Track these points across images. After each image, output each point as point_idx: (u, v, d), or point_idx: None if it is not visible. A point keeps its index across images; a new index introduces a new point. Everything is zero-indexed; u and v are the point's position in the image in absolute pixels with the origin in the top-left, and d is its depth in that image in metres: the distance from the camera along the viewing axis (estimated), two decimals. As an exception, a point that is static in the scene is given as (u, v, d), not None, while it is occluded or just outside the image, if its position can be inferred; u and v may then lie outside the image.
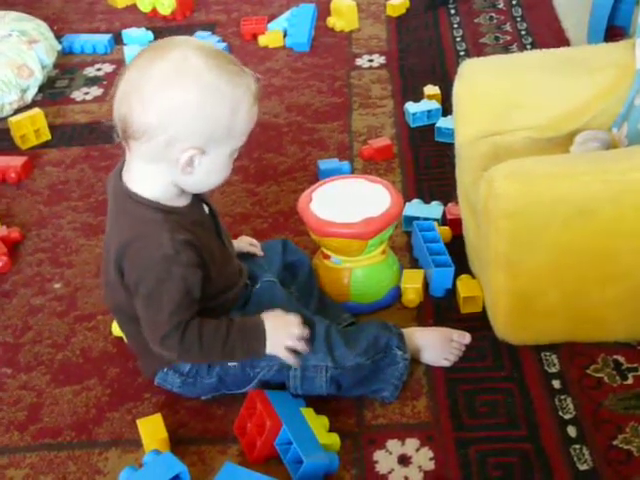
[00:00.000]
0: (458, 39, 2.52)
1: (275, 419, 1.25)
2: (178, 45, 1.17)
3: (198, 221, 1.27)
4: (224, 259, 1.31)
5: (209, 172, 1.21)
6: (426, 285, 1.56)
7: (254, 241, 1.52)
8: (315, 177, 1.91)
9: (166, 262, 1.18)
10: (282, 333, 1.28)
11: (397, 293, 1.55)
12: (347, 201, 1.50)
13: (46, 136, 2.22)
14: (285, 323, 1.29)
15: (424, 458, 1.27)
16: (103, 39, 2.68)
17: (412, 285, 1.54)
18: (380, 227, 1.45)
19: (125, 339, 1.45)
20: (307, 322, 1.32)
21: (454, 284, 1.54)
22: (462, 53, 2.43)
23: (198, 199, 1.29)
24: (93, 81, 2.51)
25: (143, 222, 1.20)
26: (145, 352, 1.35)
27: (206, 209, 1.31)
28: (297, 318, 1.29)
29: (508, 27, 2.56)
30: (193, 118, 1.14)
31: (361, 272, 1.51)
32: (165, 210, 1.21)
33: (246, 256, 1.47)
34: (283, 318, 1.29)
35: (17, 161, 2.08)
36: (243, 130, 1.20)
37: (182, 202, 1.25)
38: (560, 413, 1.31)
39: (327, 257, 1.52)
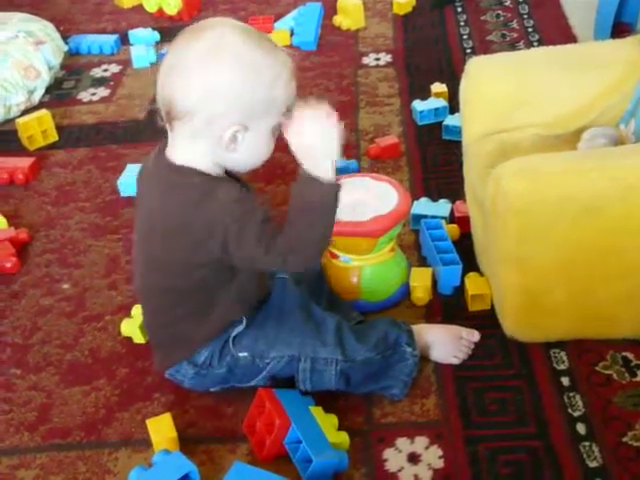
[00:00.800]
0: (465, 37, 2.51)
1: (284, 418, 1.25)
2: (214, 25, 1.21)
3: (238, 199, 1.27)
4: None
5: (252, 149, 1.23)
6: (434, 283, 1.56)
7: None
8: (322, 176, 1.91)
9: (238, 202, 1.21)
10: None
11: (406, 290, 1.55)
12: (354, 200, 1.50)
13: (53, 137, 2.22)
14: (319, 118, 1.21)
15: (433, 456, 1.27)
16: (110, 40, 2.69)
17: (421, 283, 1.54)
18: (389, 225, 1.45)
19: (146, 332, 1.44)
20: (317, 317, 1.34)
21: (462, 282, 1.54)
22: (469, 51, 2.43)
23: (237, 181, 1.30)
24: (100, 82, 2.52)
25: (200, 188, 1.22)
26: (165, 342, 1.36)
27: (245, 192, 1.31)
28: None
29: (515, 24, 2.56)
30: (233, 94, 1.17)
31: (371, 270, 1.51)
32: (215, 178, 1.24)
33: None
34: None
35: (25, 162, 2.08)
36: (283, 104, 1.21)
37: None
38: (569, 410, 1.31)
39: (336, 256, 1.52)
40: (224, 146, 1.20)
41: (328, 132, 1.21)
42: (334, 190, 1.22)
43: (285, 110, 1.22)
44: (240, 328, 1.33)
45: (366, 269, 1.51)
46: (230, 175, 1.29)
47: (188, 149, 1.23)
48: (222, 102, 1.17)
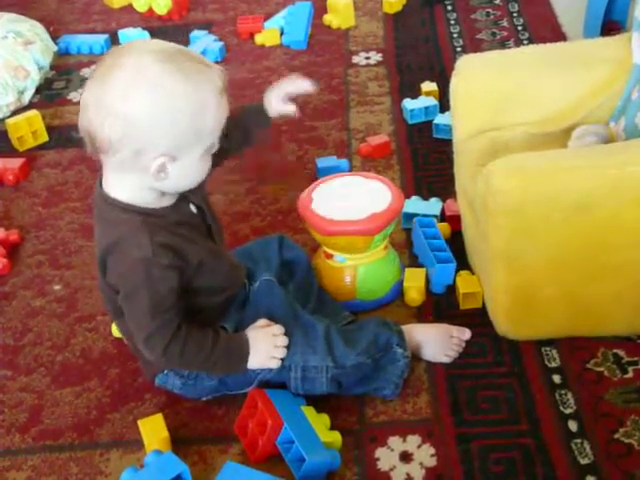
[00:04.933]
0: (455, 35, 2.52)
1: (276, 418, 1.25)
2: (131, 51, 1.13)
3: (182, 221, 1.24)
4: (215, 258, 1.30)
5: (184, 174, 1.19)
6: (427, 282, 1.56)
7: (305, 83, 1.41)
8: (313, 175, 1.91)
9: (145, 264, 1.17)
10: (266, 347, 1.29)
11: (400, 289, 1.55)
12: (348, 199, 1.50)
13: (43, 137, 2.22)
14: (267, 335, 1.30)
15: (426, 455, 1.27)
16: (99, 39, 2.68)
17: (415, 284, 1.53)
18: (386, 222, 1.46)
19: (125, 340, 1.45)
20: (305, 323, 1.33)
21: (454, 280, 1.54)
22: (459, 49, 2.43)
23: (185, 199, 1.26)
24: (90, 82, 2.51)
25: (121, 226, 1.19)
26: (143, 355, 1.35)
27: (193, 208, 1.29)
28: (280, 329, 1.30)
29: (505, 23, 2.56)
30: (157, 127, 1.11)
31: (366, 269, 1.51)
32: (143, 213, 1.20)
33: (242, 254, 1.46)
34: (266, 331, 1.30)
35: (15, 163, 2.08)
36: (213, 128, 1.17)
37: (165, 203, 1.23)
38: (561, 408, 1.31)
39: (330, 256, 1.52)
40: (152, 176, 1.16)
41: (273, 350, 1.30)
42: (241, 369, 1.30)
43: (218, 131, 1.18)
44: None
45: (362, 268, 1.51)
46: (181, 194, 1.25)
47: (117, 181, 1.19)
48: (144, 136, 1.11)
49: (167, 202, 1.23)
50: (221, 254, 1.34)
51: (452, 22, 2.60)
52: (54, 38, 2.68)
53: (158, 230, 1.19)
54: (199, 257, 1.24)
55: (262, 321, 1.32)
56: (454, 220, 1.67)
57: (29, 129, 2.19)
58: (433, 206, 1.73)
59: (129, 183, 1.19)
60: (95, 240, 1.28)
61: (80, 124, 1.15)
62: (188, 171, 1.19)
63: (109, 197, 1.21)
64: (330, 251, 1.51)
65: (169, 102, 1.11)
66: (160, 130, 1.11)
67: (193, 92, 1.12)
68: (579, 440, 1.26)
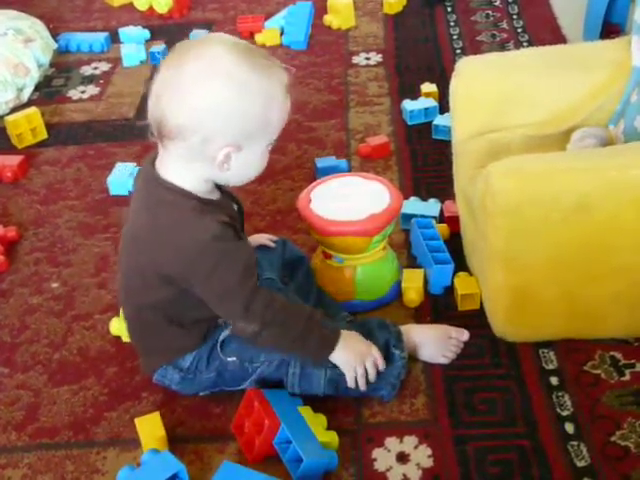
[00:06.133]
0: (455, 37, 2.52)
1: (273, 418, 1.24)
2: (209, 43, 1.18)
3: (230, 215, 1.27)
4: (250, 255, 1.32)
5: (246, 167, 1.23)
6: (425, 283, 1.56)
7: (273, 237, 1.54)
8: (313, 175, 1.91)
9: (217, 241, 1.19)
10: (356, 348, 1.30)
11: (398, 289, 1.55)
12: (347, 199, 1.50)
13: (42, 135, 2.21)
14: (365, 345, 1.32)
15: (422, 455, 1.27)
16: (100, 37, 2.67)
17: (413, 285, 1.53)
18: (384, 223, 1.46)
19: (129, 335, 1.44)
20: None
21: (452, 281, 1.54)
22: (459, 51, 2.43)
23: (229, 195, 1.31)
24: (90, 80, 2.51)
25: (182, 210, 1.21)
26: (148, 348, 1.36)
27: (235, 206, 1.32)
28: (378, 353, 1.32)
29: (504, 25, 2.57)
30: (228, 116, 1.15)
31: (365, 269, 1.51)
32: (202, 201, 1.22)
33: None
34: (362, 339, 1.32)
35: (13, 160, 2.07)
36: (277, 123, 1.21)
37: (214, 196, 1.26)
38: (558, 410, 1.32)
39: (329, 257, 1.52)
40: (217, 166, 1.19)
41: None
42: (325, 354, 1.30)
43: (280, 127, 1.22)
44: (227, 332, 1.32)
45: (360, 268, 1.51)
46: (221, 190, 1.28)
47: (178, 167, 1.21)
48: (216, 124, 1.15)
49: (215, 196, 1.27)
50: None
51: (452, 23, 2.60)
52: (54, 36, 2.67)
53: (218, 213, 1.22)
54: None
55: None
56: (453, 221, 1.67)
57: (28, 126, 2.18)
58: (432, 207, 1.73)
59: (191, 172, 1.21)
60: (133, 226, 1.29)
61: (150, 110, 1.18)
62: (249, 164, 1.23)
63: (167, 181, 1.22)
64: (329, 251, 1.51)
65: (242, 92, 1.15)
66: (231, 119, 1.15)
67: (264, 84, 1.17)
68: (576, 442, 1.26)
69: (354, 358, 1.30)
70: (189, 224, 1.20)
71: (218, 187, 1.28)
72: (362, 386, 1.31)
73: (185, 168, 1.21)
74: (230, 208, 1.30)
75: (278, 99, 1.19)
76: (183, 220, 1.20)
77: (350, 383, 1.30)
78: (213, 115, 1.14)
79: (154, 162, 1.25)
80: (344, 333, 1.30)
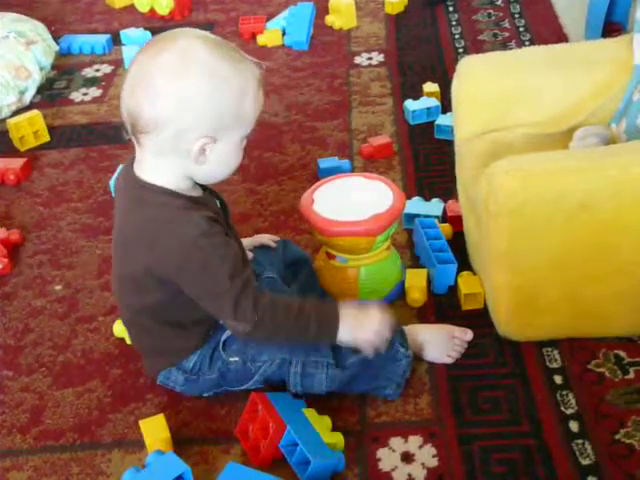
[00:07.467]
0: (457, 36, 2.52)
1: (278, 421, 1.24)
2: (180, 36, 1.18)
3: (215, 211, 1.27)
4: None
5: (221, 160, 1.22)
6: (428, 283, 1.56)
7: (274, 237, 1.54)
8: (315, 176, 1.91)
9: (206, 237, 1.19)
10: (357, 323, 1.28)
11: (402, 289, 1.55)
12: (349, 200, 1.50)
13: (45, 137, 2.22)
14: (366, 316, 1.29)
15: (427, 455, 1.27)
16: (101, 40, 2.68)
17: (416, 284, 1.53)
18: (388, 222, 1.46)
19: (129, 339, 1.45)
20: None
21: (455, 281, 1.54)
22: (461, 50, 2.43)
23: (211, 193, 1.30)
24: (91, 82, 2.51)
25: (168, 209, 1.21)
26: (150, 351, 1.36)
27: (218, 203, 1.32)
28: (379, 312, 1.29)
29: (506, 24, 2.56)
30: (202, 107, 1.15)
31: (369, 269, 1.51)
32: (187, 198, 1.23)
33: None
34: (363, 312, 1.29)
35: (16, 163, 2.08)
36: (251, 115, 1.21)
37: (197, 193, 1.26)
38: (562, 408, 1.31)
39: (332, 257, 1.51)
40: (193, 159, 1.18)
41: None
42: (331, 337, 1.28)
43: (254, 121, 1.22)
44: (229, 333, 1.32)
45: (364, 269, 1.51)
46: (203, 187, 1.28)
47: (155, 164, 1.21)
48: (190, 114, 1.15)
49: (198, 193, 1.26)
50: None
51: (454, 23, 2.60)
52: (56, 38, 2.68)
53: (203, 210, 1.22)
54: None
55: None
56: (455, 221, 1.67)
57: (30, 129, 2.18)
58: (435, 207, 1.73)
59: (168, 168, 1.21)
60: (120, 230, 1.29)
61: (125, 105, 1.18)
62: (225, 157, 1.22)
63: (147, 182, 1.22)
64: (332, 252, 1.51)
65: (216, 84, 1.15)
66: (205, 109, 1.15)
67: (237, 77, 1.17)
68: (580, 441, 1.26)
69: (361, 335, 1.28)
70: (176, 222, 1.20)
71: (200, 185, 1.28)
72: (383, 350, 1.30)
73: (162, 165, 1.21)
74: (214, 205, 1.30)
75: (251, 90, 1.19)
76: (169, 219, 1.20)
77: (370, 354, 1.29)
78: (187, 105, 1.14)
79: (132, 167, 1.25)
80: (343, 313, 1.28)
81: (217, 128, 1.17)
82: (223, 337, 1.33)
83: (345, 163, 1.94)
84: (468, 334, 1.43)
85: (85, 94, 2.45)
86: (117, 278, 1.34)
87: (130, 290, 1.30)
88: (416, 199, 1.78)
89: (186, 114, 1.15)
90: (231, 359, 1.33)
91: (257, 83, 1.20)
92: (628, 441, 1.25)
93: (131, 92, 1.16)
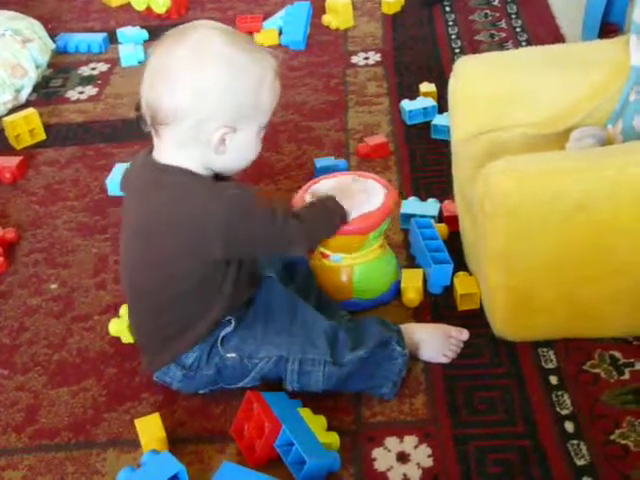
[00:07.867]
0: (453, 36, 2.52)
1: (274, 421, 1.24)
2: (197, 28, 1.21)
3: None
4: None
5: (240, 150, 1.24)
6: (424, 283, 1.56)
7: None
8: (311, 175, 1.91)
9: (238, 196, 1.23)
10: (345, 195, 1.41)
11: (397, 288, 1.55)
12: (340, 198, 1.50)
13: (41, 136, 2.21)
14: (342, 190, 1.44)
15: (423, 455, 1.27)
16: (98, 38, 2.67)
17: (412, 284, 1.53)
18: (378, 220, 1.45)
19: (132, 335, 1.44)
20: (306, 319, 1.34)
21: (451, 281, 1.54)
22: (457, 50, 2.43)
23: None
24: (88, 80, 2.51)
25: (195, 185, 1.23)
26: (154, 346, 1.36)
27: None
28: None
29: (503, 24, 2.57)
30: (222, 96, 1.17)
31: (363, 268, 1.51)
32: (205, 177, 1.25)
33: None
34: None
35: (12, 161, 2.07)
36: (269, 104, 1.24)
37: None
38: (557, 409, 1.32)
39: (326, 256, 1.51)
40: (212, 149, 1.20)
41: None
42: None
43: (270, 111, 1.24)
44: (229, 329, 1.33)
45: (358, 267, 1.51)
46: (220, 179, 1.29)
47: (176, 154, 1.23)
48: (210, 105, 1.17)
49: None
50: None
51: (450, 23, 2.60)
52: (52, 36, 2.67)
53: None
54: None
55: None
56: (452, 221, 1.67)
57: (26, 127, 2.18)
58: (431, 207, 1.73)
59: (188, 158, 1.23)
60: (133, 212, 1.29)
61: (145, 97, 1.20)
62: (244, 147, 1.25)
63: (168, 165, 1.23)
64: (326, 251, 1.51)
65: (234, 73, 1.18)
66: (225, 99, 1.18)
67: (255, 66, 1.20)
68: (575, 441, 1.26)
69: (348, 203, 1.40)
70: (209, 192, 1.22)
71: (218, 177, 1.29)
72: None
73: (182, 156, 1.22)
74: None
75: (268, 79, 1.22)
76: (201, 192, 1.22)
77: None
78: (206, 95, 1.17)
79: (149, 155, 1.26)
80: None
81: (236, 118, 1.20)
82: (222, 333, 1.33)
83: (341, 163, 1.94)
84: (464, 334, 1.43)
85: (81, 92, 2.44)
86: (134, 272, 1.33)
87: (146, 277, 1.30)
88: (412, 199, 1.78)
89: (205, 104, 1.17)
90: (228, 355, 1.33)
91: (274, 73, 1.23)
92: (623, 442, 1.25)
93: (150, 85, 1.19)
